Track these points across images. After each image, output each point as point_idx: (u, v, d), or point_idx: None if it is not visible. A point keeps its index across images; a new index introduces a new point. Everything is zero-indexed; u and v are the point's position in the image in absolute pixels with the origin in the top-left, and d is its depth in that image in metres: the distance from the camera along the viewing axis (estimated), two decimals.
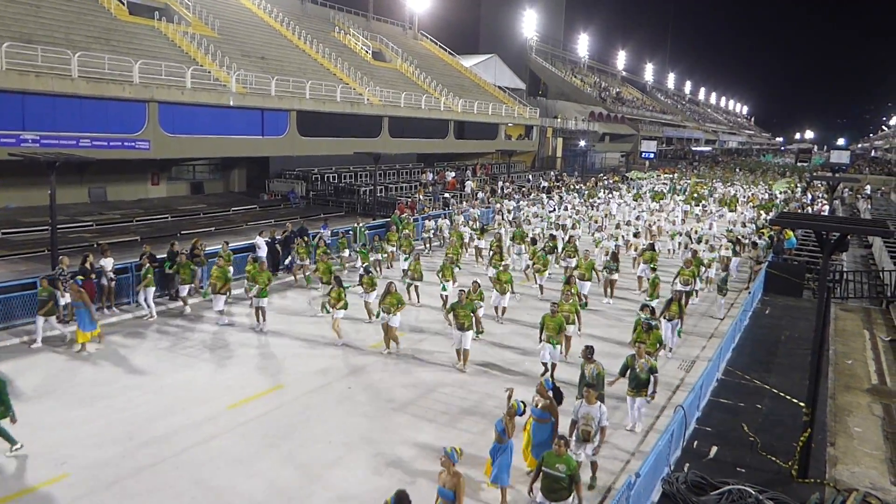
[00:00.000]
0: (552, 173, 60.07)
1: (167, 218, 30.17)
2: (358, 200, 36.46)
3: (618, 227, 28.53)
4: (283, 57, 42.20)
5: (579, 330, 15.19)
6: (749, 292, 19.65)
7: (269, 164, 40.66)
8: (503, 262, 19.09)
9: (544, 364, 13.29)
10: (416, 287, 18.68)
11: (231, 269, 17.40)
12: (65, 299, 14.96)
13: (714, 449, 10.52)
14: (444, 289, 17.79)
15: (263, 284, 15.90)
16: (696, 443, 10.72)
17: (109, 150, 27.75)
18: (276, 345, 15.01)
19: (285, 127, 36.24)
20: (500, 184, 45.32)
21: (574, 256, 21.50)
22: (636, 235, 25.34)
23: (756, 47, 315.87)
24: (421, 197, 37.73)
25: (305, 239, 21.29)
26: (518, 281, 20.20)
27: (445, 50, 66.05)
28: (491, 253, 20.98)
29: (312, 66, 43.63)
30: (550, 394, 9.49)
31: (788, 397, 12.57)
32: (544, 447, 8.79)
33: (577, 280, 17.86)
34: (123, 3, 35.67)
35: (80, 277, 15.52)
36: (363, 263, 19.97)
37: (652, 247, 22.20)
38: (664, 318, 15.15)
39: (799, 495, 9.14)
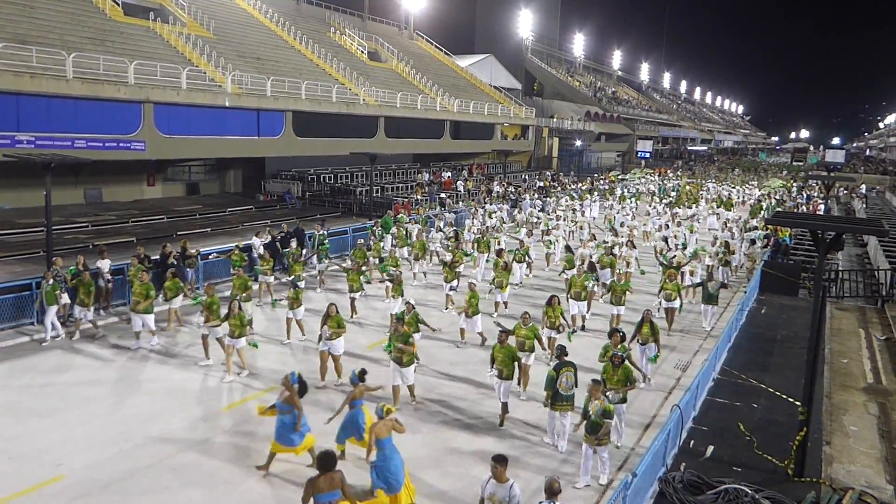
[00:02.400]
0: (548, 173, 60.13)
1: (163, 219, 30.09)
2: (354, 201, 36.45)
3: (592, 237, 24.26)
4: (279, 57, 42.15)
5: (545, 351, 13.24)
6: (745, 291, 19.68)
7: (265, 165, 40.59)
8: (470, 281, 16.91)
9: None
10: (353, 300, 16.88)
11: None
12: (63, 299, 14.94)
13: (710, 448, 10.54)
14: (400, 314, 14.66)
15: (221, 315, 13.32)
16: (692, 442, 10.73)
17: (105, 151, 27.67)
18: (273, 348, 14.96)
19: (281, 127, 36.20)
20: (495, 184, 45.30)
21: (523, 262, 20.62)
22: (630, 245, 22.53)
23: (752, 47, 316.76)
24: (419, 197, 37.77)
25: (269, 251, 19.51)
26: (484, 295, 17.37)
27: (441, 50, 66.06)
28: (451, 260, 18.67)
29: (308, 66, 43.59)
30: (296, 387, 9.43)
31: (784, 396, 12.60)
32: (282, 438, 9.37)
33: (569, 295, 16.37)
34: (118, 4, 35.59)
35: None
36: (292, 276, 17.19)
37: (611, 251, 20.98)
38: (637, 341, 13.32)
39: (795, 494, 9.16)
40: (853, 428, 11.83)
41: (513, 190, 42.93)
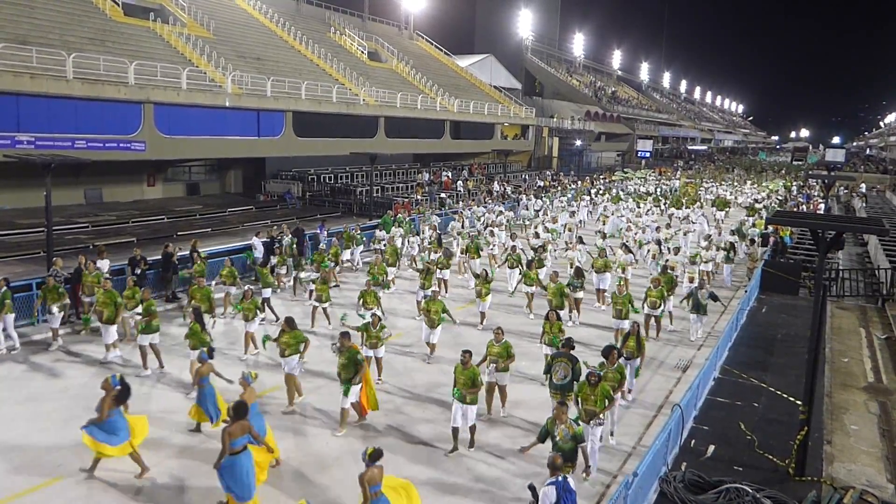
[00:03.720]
0: (548, 173, 60.15)
1: (163, 219, 30.10)
2: (354, 201, 36.47)
3: (580, 240, 23.05)
4: (279, 57, 42.16)
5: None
6: (746, 291, 19.66)
7: (266, 165, 40.61)
8: (432, 288, 16.22)
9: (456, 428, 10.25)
10: (325, 310, 15.96)
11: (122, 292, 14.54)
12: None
13: (711, 448, 10.53)
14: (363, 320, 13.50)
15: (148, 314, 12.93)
16: (693, 442, 10.73)
17: (105, 151, 27.70)
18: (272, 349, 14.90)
19: (281, 127, 36.21)
20: (496, 184, 45.29)
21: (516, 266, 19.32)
22: (625, 248, 21.49)
23: (751, 46, 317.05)
24: (419, 197, 37.76)
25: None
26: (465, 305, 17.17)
27: (441, 50, 66.08)
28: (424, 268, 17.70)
29: (308, 66, 43.60)
30: (116, 390, 9.20)
31: (785, 396, 12.59)
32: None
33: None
34: (118, 4, 35.61)
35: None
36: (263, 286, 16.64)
37: (603, 253, 19.76)
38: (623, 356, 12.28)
39: (796, 493, 9.15)
40: (854, 427, 11.83)
41: (512, 190, 42.96)
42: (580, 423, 9.24)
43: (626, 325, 14.34)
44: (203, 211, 32.90)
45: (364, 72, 47.84)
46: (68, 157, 20.75)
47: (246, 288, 14.41)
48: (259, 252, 20.45)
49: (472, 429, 10.37)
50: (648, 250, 23.31)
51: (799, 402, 10.40)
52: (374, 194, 35.63)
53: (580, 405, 9.83)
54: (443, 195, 39.60)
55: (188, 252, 18.14)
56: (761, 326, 17.82)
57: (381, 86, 46.47)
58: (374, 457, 7.40)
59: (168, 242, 19.38)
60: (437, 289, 15.72)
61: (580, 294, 17.35)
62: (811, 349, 9.89)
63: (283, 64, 41.37)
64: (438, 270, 18.73)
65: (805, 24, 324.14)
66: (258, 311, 13.98)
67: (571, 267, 17.93)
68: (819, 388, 12.64)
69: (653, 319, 16.06)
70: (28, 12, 30.10)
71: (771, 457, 10.27)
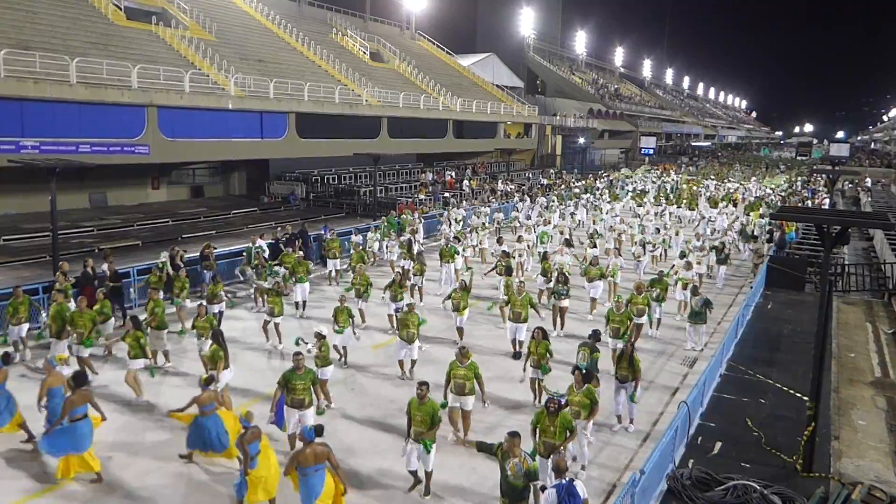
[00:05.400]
0: (551, 171, 60.11)
1: (168, 222, 30.20)
2: (358, 201, 36.53)
3: (566, 244, 21.54)
4: (281, 59, 42.22)
5: (484, 402, 11.20)
6: (751, 287, 19.62)
7: (269, 167, 40.66)
8: (408, 300, 14.59)
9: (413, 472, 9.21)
10: (276, 325, 14.62)
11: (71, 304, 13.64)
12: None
13: (718, 444, 10.52)
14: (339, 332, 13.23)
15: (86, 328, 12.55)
16: (699, 439, 10.72)
17: (109, 155, 27.75)
18: (273, 349, 14.96)
19: (284, 129, 36.26)
20: (500, 183, 45.17)
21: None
22: (616, 252, 20.44)
23: (754, 41, 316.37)
24: (422, 197, 37.77)
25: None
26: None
27: (443, 49, 66.05)
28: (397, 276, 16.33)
29: (310, 67, 43.64)
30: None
31: (792, 392, 12.56)
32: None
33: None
34: (121, 8, 35.71)
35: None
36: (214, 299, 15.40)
37: (597, 260, 18.56)
38: (616, 378, 11.31)
39: (804, 489, 9.14)
40: (861, 422, 11.80)
41: (514, 188, 42.89)
42: (537, 457, 8.40)
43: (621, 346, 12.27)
44: (207, 213, 32.99)
45: (366, 72, 47.87)
46: (73, 162, 20.87)
47: (199, 304, 13.75)
48: (264, 254, 20.41)
49: (429, 475, 9.08)
50: (633, 251, 22.35)
51: (806, 398, 10.38)
52: (378, 195, 35.67)
53: (538, 437, 8.71)
54: (446, 195, 39.61)
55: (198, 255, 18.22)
56: (767, 322, 17.77)
57: (384, 86, 46.48)
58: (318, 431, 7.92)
59: (173, 245, 19.41)
60: (413, 300, 14.26)
61: (565, 302, 15.91)
62: (817, 344, 9.87)
63: (286, 65, 41.43)
64: (412, 277, 17.86)
65: (808, 19, 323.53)
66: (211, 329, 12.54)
67: (559, 272, 16.49)
68: (826, 384, 12.60)
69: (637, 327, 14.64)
70: (31, 18, 30.20)
71: (778, 453, 10.25)
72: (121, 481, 9.34)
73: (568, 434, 8.59)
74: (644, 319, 14.95)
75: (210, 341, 11.58)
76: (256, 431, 8.31)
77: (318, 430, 8.00)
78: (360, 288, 16.18)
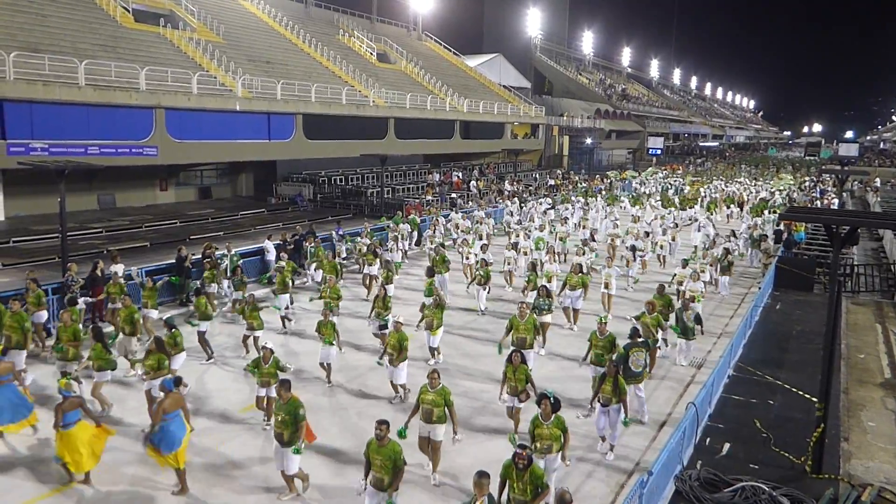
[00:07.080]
0: (559, 171, 60.05)
1: (176, 223, 30.32)
2: (365, 202, 36.59)
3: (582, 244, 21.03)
4: (289, 61, 42.35)
5: (455, 435, 9.98)
6: (759, 287, 19.53)
7: (277, 168, 40.79)
8: (394, 318, 12.32)
9: None
10: (256, 340, 13.64)
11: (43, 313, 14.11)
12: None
13: (726, 446, 10.48)
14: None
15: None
16: (708, 440, 10.67)
17: (117, 157, 27.91)
18: (279, 346, 15.01)
19: (292, 130, 36.37)
20: (507, 184, 45.13)
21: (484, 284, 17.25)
22: (610, 259, 19.28)
23: (762, 41, 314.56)
24: (429, 197, 37.78)
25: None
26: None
27: (450, 50, 66.12)
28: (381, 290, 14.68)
29: (317, 69, 43.76)
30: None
31: (801, 393, 12.50)
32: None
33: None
34: (129, 11, 35.90)
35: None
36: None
37: (581, 268, 17.11)
38: (597, 401, 10.39)
39: (813, 491, 9.08)
40: (871, 424, 11.72)
41: (523, 189, 42.85)
42: None
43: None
44: (215, 214, 33.09)
45: (373, 73, 47.95)
46: (81, 164, 20.98)
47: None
48: (271, 255, 20.51)
49: None
50: (622, 256, 21.34)
51: (815, 399, 10.33)
52: (385, 195, 35.71)
53: (507, 491, 7.71)
54: (453, 195, 39.62)
55: (200, 256, 18.28)
56: (776, 323, 17.70)
57: (391, 87, 46.57)
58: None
59: (181, 246, 19.47)
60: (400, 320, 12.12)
61: (547, 318, 14.70)
62: (826, 345, 9.82)
63: (293, 67, 41.56)
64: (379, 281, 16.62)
65: (816, 18, 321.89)
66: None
67: (549, 282, 15.54)
68: (835, 385, 12.52)
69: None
70: (40, 20, 30.39)
71: (787, 454, 10.20)
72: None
73: (539, 491, 7.46)
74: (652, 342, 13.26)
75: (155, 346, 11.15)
76: (75, 401, 9.21)
77: (177, 381, 9.53)
78: (328, 301, 14.70)
